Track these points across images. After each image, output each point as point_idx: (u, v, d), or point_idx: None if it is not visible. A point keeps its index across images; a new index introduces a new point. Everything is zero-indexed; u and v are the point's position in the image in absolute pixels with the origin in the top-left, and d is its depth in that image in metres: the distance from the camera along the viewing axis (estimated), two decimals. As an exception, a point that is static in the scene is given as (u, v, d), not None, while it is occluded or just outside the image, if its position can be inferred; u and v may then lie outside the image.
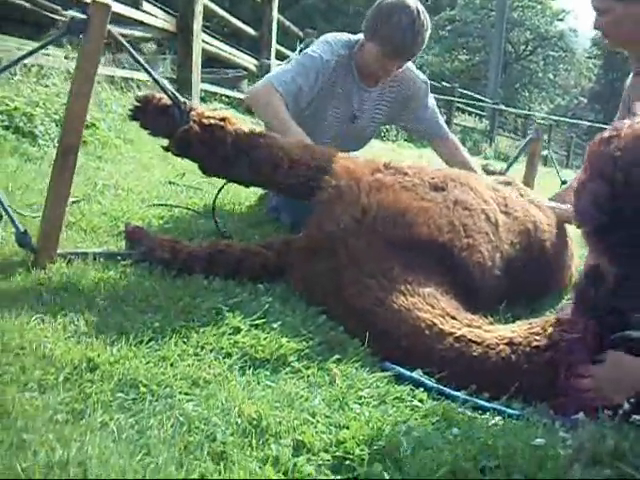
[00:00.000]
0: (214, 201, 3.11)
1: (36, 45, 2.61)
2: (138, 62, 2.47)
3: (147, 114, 2.60)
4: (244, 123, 2.77)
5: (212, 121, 2.61)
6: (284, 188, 2.82)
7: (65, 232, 2.62)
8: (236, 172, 2.71)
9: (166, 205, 3.43)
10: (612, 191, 1.78)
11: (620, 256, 1.87)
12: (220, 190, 3.11)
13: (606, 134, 1.88)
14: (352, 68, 3.55)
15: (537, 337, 2.08)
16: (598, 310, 2.02)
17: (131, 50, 2.44)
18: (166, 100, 2.57)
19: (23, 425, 1.43)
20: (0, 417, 1.46)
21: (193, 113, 2.58)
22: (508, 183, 3.33)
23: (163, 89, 2.53)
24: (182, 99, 2.58)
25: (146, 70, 2.51)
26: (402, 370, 2.04)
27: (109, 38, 2.32)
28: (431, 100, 3.85)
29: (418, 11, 3.32)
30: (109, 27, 2.27)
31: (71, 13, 5.42)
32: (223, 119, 2.64)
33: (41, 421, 1.46)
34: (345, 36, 3.60)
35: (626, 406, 1.92)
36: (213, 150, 2.61)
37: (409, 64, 3.67)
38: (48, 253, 2.34)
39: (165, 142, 2.69)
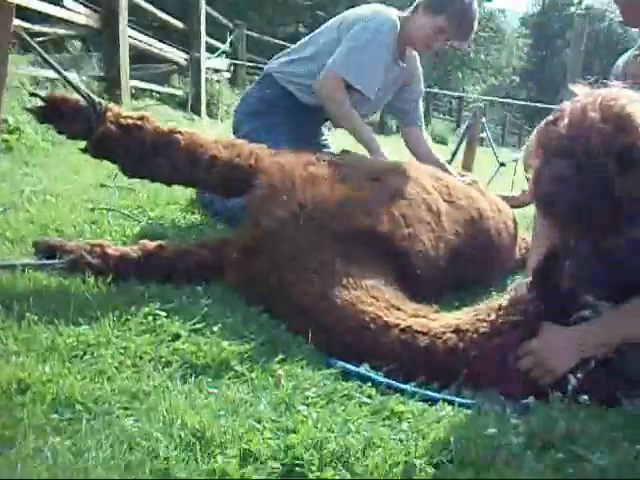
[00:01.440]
0: None
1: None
2: (47, 61, 2.35)
3: (61, 117, 2.48)
4: (169, 121, 2.68)
5: (130, 121, 2.52)
6: (207, 186, 2.77)
7: (-10, 244, 2.51)
8: (156, 171, 2.63)
9: (103, 209, 3.31)
10: (575, 165, 1.74)
11: (597, 228, 1.82)
12: None
13: (550, 117, 1.85)
14: (395, 46, 3.70)
15: (483, 323, 2.06)
16: (556, 291, 2.01)
17: (39, 49, 2.33)
18: (81, 101, 2.46)
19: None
20: None
21: (109, 113, 2.49)
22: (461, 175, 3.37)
23: (77, 89, 2.43)
24: (97, 99, 2.48)
25: (56, 70, 2.40)
26: (348, 366, 2.00)
27: (19, 38, 2.21)
28: (423, 90, 4.08)
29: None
30: (18, 24, 2.16)
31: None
32: (141, 118, 2.55)
33: (-33, 452, 1.37)
34: (394, 10, 3.77)
35: (573, 381, 1.92)
36: (132, 150, 2.52)
37: (415, 53, 3.93)
38: None
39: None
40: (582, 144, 1.72)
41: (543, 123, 1.86)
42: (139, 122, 2.53)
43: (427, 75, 24.40)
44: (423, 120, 4.10)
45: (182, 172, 2.61)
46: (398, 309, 2.17)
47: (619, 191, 1.69)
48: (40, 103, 2.47)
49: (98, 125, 2.45)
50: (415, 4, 3.71)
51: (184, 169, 2.60)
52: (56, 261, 2.44)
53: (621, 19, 2.98)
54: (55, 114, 2.47)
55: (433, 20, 3.61)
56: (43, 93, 2.47)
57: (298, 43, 3.89)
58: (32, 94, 2.50)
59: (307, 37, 3.86)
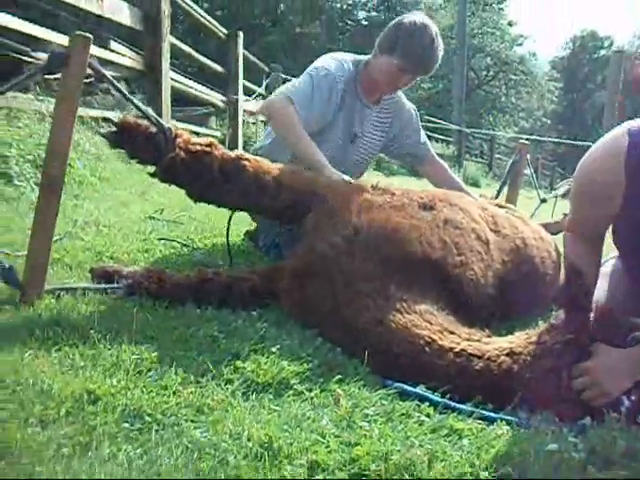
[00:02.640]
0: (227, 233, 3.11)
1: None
2: (119, 91, 2.43)
3: (132, 141, 2.54)
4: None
5: (199, 147, 2.58)
6: (272, 212, 2.80)
7: (51, 268, 2.58)
8: (224, 197, 2.68)
9: (169, 240, 3.42)
10: None
11: None
12: (229, 222, 3.08)
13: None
14: (357, 85, 3.59)
15: (536, 345, 2.07)
16: (582, 307, 2.02)
17: (113, 81, 2.40)
18: (151, 127, 2.53)
19: (29, 461, 1.39)
20: (3, 454, 1.42)
21: (179, 140, 2.55)
22: (501, 207, 3.38)
23: (147, 116, 2.49)
24: (167, 125, 2.55)
25: (127, 98, 2.47)
26: (405, 386, 2.02)
27: (92, 70, 2.29)
28: (420, 124, 3.95)
29: (436, 33, 3.46)
30: (89, 60, 2.26)
31: (41, 55, 5.39)
32: (210, 145, 2.61)
33: (47, 456, 1.41)
34: (350, 55, 3.67)
35: (626, 403, 1.92)
36: (200, 176, 2.58)
37: (399, 91, 3.77)
38: (36, 289, 2.30)
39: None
40: None
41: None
42: (207, 149, 2.59)
43: (459, 119, 24.58)
44: (433, 151, 4.03)
45: (250, 198, 2.66)
46: (452, 333, 2.19)
47: None
48: (113, 128, 2.54)
49: (168, 151, 2.51)
50: (375, 47, 3.56)
51: (252, 195, 2.65)
52: (115, 285, 2.50)
53: None
54: (127, 139, 2.54)
55: (389, 60, 3.45)
56: (116, 119, 2.54)
57: None
58: (105, 119, 2.58)
59: None
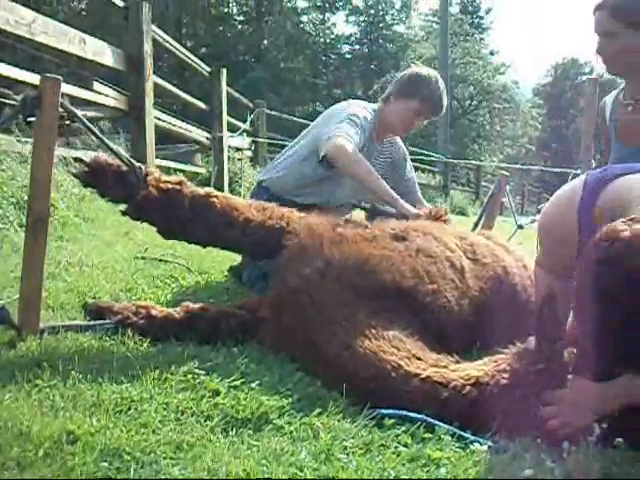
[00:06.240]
0: None
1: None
2: (90, 130, 2.46)
3: (103, 181, 2.58)
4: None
5: (169, 185, 2.63)
6: (241, 247, 2.86)
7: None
8: (194, 233, 2.74)
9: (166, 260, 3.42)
10: None
11: None
12: None
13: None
14: (373, 131, 3.92)
15: (505, 375, 2.08)
16: (555, 337, 2.04)
17: (84, 120, 2.43)
18: (122, 166, 2.57)
19: (6, 504, 1.40)
20: (-20, 498, 1.43)
21: (150, 178, 2.60)
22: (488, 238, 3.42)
23: (117, 155, 2.53)
24: (137, 164, 2.59)
25: (97, 136, 2.49)
26: (404, 412, 2.03)
27: (63, 110, 2.34)
28: (410, 166, 4.28)
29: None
30: (62, 100, 2.31)
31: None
32: (179, 182, 2.67)
33: (24, 498, 1.43)
34: (368, 104, 4.04)
35: (597, 430, 1.92)
36: (171, 213, 2.64)
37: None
38: (32, 327, 2.35)
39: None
40: None
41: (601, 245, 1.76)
42: (177, 186, 2.65)
43: (444, 149, 24.77)
44: (420, 195, 4.24)
45: (218, 235, 2.73)
46: (418, 359, 2.21)
47: None
48: (85, 168, 2.58)
49: (139, 189, 2.56)
50: (386, 94, 3.98)
51: (220, 232, 2.72)
52: (104, 322, 2.53)
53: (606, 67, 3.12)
54: (97, 178, 2.58)
55: (407, 104, 3.88)
56: (87, 159, 2.58)
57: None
58: (77, 159, 2.62)
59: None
